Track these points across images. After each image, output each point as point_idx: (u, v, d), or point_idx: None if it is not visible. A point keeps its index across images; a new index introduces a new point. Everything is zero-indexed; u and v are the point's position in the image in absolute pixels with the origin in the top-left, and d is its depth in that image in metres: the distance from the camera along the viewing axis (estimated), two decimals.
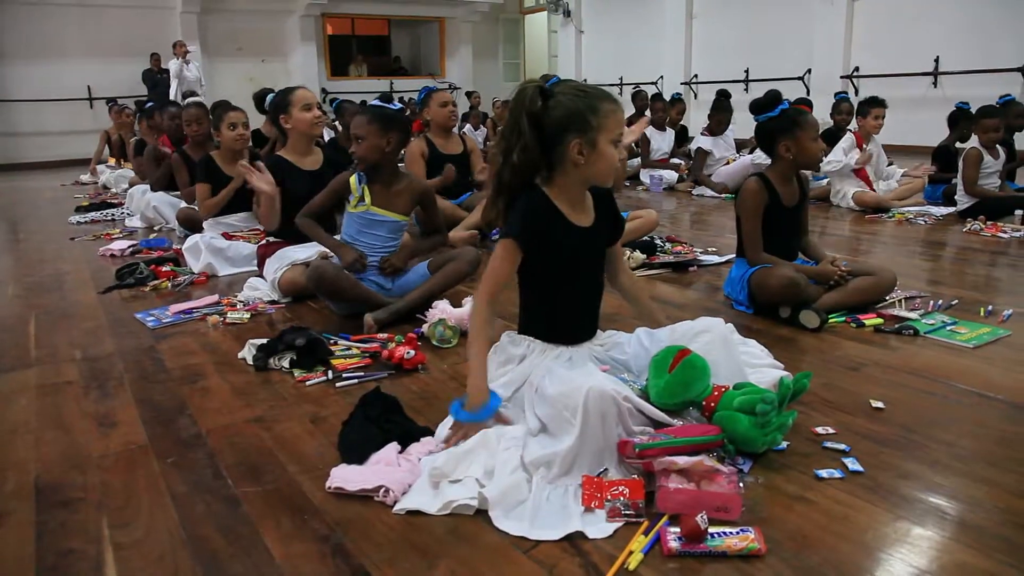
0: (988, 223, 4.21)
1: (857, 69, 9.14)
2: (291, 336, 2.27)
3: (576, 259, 1.78)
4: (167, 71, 11.23)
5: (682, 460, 1.43)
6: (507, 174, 1.71)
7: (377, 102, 2.75)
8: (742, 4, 10.43)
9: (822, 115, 9.61)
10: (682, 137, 7.30)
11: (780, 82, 9.23)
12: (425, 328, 2.43)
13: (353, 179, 2.69)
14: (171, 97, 9.89)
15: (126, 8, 11.26)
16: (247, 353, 2.33)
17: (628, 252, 3.35)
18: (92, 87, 11.12)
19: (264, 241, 3.32)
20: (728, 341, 1.80)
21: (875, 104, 4.96)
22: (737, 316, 2.61)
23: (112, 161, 8.13)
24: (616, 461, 1.51)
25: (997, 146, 4.53)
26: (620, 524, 1.36)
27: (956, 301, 2.73)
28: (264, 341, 2.31)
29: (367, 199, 2.67)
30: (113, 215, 5.56)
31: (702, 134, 6.22)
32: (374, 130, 2.62)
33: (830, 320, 2.50)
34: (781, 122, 2.57)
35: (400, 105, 2.76)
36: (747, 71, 10.36)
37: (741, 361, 1.82)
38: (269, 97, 3.38)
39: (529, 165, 1.68)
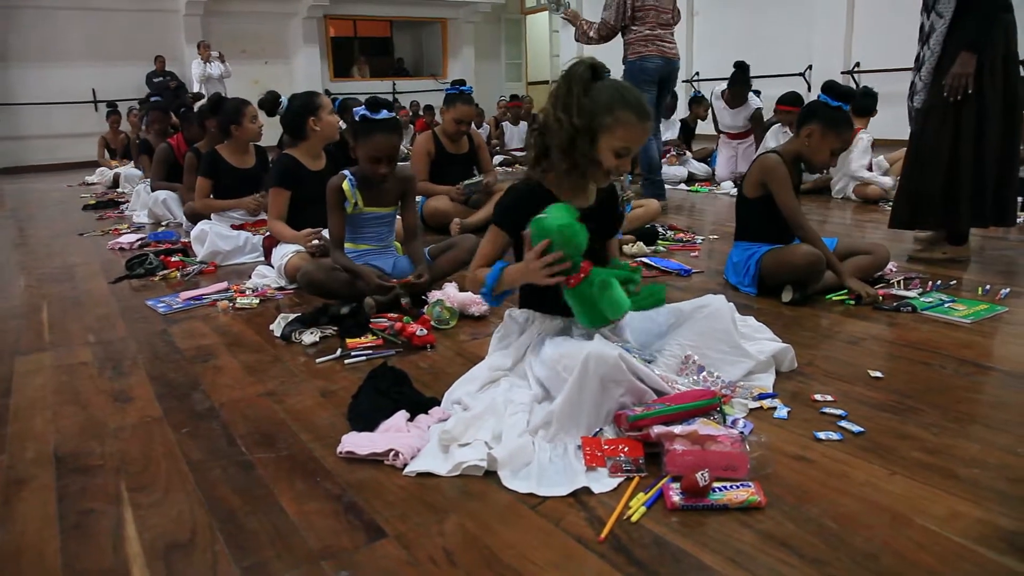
0: None
1: (858, 64, 9.16)
2: (335, 308, 2.43)
3: None
4: (171, 73, 11.32)
5: (678, 429, 1.46)
6: (549, 133, 1.68)
7: (364, 111, 2.58)
8: (743, 1, 10.46)
9: None
10: (687, 132, 7.36)
11: (782, 78, 9.26)
12: (425, 308, 2.48)
13: (346, 184, 2.61)
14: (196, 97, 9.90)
15: (129, 12, 11.32)
16: (277, 326, 2.42)
17: (632, 241, 3.45)
18: (96, 90, 11.21)
19: (269, 233, 3.37)
20: (724, 314, 1.88)
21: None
22: (736, 296, 2.65)
23: (115, 164, 8.27)
24: (613, 430, 1.55)
25: None
26: (622, 479, 1.40)
27: (954, 281, 2.77)
28: (297, 315, 2.44)
29: (360, 202, 2.67)
30: (123, 210, 5.65)
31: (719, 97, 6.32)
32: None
33: (830, 298, 2.56)
34: (833, 114, 2.52)
35: (389, 113, 2.60)
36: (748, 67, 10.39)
37: (738, 334, 1.88)
38: (284, 100, 3.28)
39: (565, 134, 1.64)
